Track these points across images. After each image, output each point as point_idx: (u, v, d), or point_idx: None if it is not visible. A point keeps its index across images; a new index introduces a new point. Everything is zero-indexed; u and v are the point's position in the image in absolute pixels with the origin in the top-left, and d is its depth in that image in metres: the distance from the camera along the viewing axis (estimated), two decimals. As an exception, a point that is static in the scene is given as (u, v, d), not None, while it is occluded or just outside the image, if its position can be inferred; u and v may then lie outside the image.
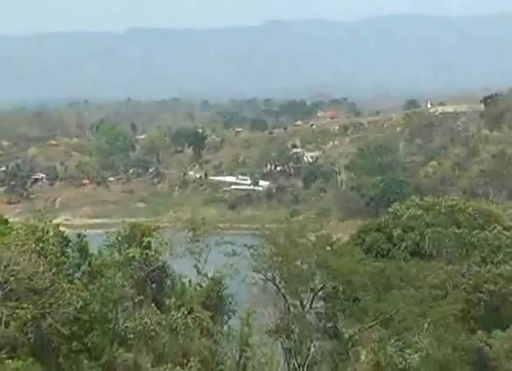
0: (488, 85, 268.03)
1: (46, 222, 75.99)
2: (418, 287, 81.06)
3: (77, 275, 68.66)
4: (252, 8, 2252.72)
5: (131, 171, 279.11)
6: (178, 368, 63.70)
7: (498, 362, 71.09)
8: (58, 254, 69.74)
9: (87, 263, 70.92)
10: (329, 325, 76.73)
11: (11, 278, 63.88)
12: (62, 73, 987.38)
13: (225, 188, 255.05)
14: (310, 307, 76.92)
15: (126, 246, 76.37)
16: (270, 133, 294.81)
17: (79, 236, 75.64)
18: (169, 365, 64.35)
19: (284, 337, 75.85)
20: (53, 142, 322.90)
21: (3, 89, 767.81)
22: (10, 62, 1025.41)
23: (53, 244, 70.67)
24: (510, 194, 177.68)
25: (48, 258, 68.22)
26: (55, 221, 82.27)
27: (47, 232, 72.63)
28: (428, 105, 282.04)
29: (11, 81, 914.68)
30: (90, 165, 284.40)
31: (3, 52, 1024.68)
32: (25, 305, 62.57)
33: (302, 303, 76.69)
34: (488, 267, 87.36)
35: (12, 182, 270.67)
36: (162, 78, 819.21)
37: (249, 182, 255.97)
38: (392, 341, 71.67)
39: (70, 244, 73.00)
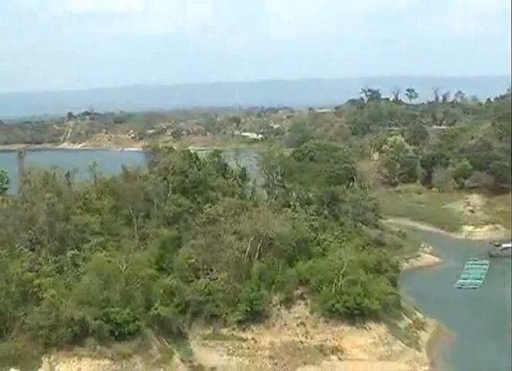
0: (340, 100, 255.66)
1: (187, 149, 74.20)
2: (313, 171, 79.59)
3: (194, 165, 66.89)
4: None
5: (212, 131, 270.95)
6: (229, 198, 61.96)
7: (343, 195, 70.54)
8: (188, 157, 67.91)
9: (198, 163, 69.08)
10: (281, 182, 74.98)
11: (174, 167, 62.15)
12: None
13: (247, 138, 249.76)
14: (275, 177, 75.31)
15: (213, 156, 74.76)
16: (263, 118, 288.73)
17: (194, 153, 73.64)
18: (227, 197, 62.85)
19: (267, 186, 74.53)
20: (195, 121, 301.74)
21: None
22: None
23: (187, 155, 69.00)
24: (344, 139, 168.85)
25: (186, 159, 66.52)
26: (189, 147, 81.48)
27: (185, 152, 70.98)
28: (316, 109, 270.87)
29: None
30: (201, 129, 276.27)
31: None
32: (178, 177, 61.20)
33: (272, 175, 74.94)
34: (336, 165, 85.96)
35: (174, 134, 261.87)
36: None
37: (255, 135, 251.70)
38: (296, 188, 69.97)
39: (192, 155, 71.27)
